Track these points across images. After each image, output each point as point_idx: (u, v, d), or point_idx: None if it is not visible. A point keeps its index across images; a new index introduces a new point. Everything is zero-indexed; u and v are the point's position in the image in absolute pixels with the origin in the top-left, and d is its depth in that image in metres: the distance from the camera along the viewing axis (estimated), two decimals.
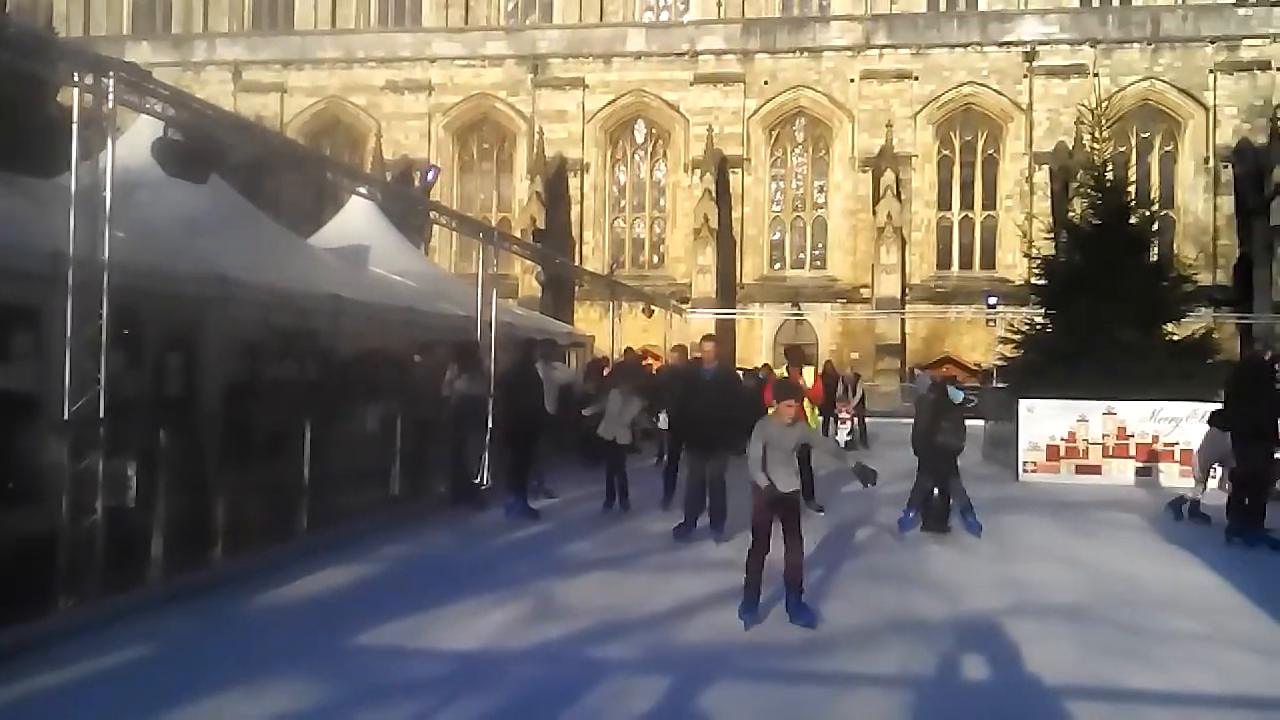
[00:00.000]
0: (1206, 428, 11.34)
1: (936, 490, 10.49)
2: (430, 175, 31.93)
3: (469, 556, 8.91)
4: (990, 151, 40.22)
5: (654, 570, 8.35)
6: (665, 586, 7.67)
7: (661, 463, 15.48)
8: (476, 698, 5.28)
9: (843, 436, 19.40)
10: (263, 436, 9.26)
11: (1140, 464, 15.19)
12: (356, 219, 16.80)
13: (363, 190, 14.29)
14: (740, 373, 16.10)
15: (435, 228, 29.11)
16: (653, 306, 27.00)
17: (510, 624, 6.59)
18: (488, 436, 12.35)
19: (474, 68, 42.38)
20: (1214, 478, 11.65)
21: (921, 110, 39.71)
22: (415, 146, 41.69)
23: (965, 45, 39.45)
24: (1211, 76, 38.12)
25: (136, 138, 8.59)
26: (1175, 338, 18.18)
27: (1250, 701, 5.49)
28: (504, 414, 11.61)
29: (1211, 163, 38.13)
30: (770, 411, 6.95)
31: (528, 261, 32.16)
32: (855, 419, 20.47)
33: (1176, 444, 15.12)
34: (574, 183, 41.46)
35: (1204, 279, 32.33)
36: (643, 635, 6.40)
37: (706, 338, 11.12)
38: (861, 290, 39.50)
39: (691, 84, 40.90)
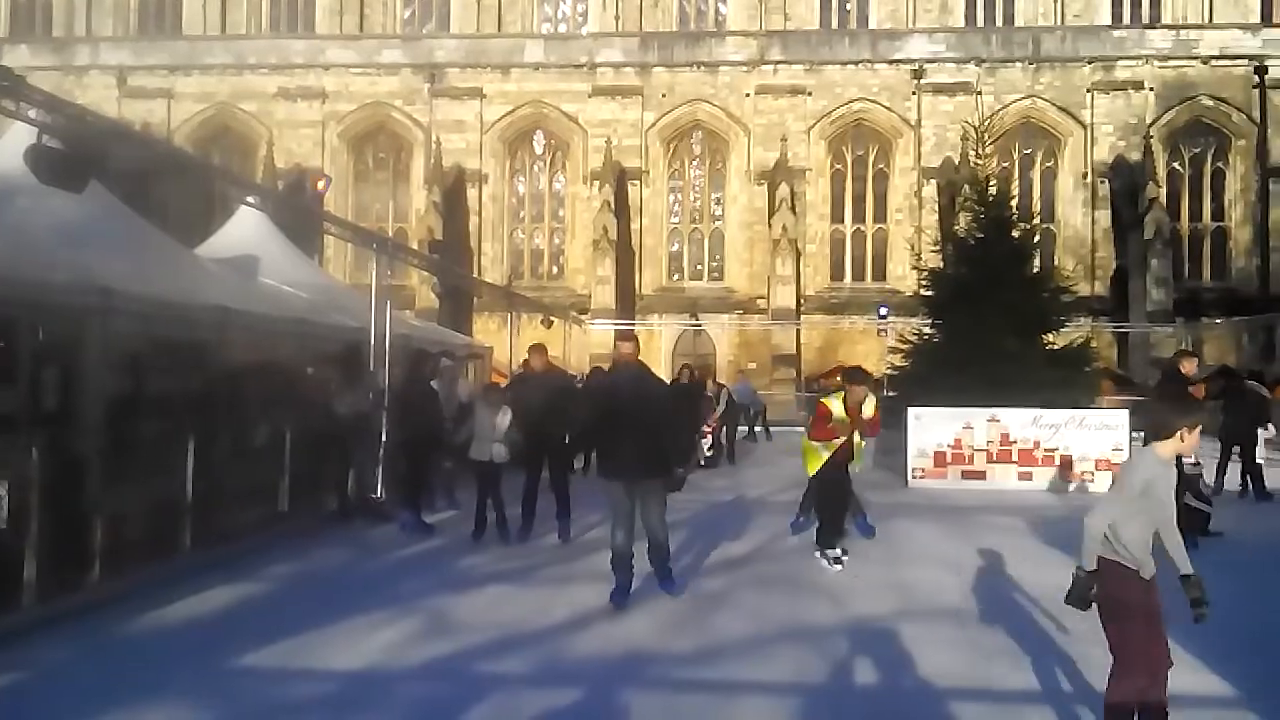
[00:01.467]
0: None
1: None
2: (321, 184, 31.34)
3: (359, 573, 8.77)
4: (881, 166, 41.17)
5: (550, 583, 8.35)
6: (560, 599, 7.68)
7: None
8: (361, 718, 5.22)
9: (704, 450, 18.04)
10: (145, 453, 8.99)
11: (1022, 469, 15.73)
12: (246, 229, 16.37)
13: (251, 200, 14.00)
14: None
15: (332, 238, 28.71)
16: (552, 318, 26.97)
17: (400, 642, 6.52)
18: (380, 450, 12.18)
19: (369, 76, 41.78)
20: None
21: (815, 125, 40.46)
22: (309, 155, 40.85)
23: (856, 63, 40.34)
24: (1089, 95, 39.67)
25: (12, 144, 8.29)
26: (1055, 346, 18.85)
27: None
28: (398, 427, 11.47)
29: (1089, 178, 39.67)
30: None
31: (425, 272, 31.90)
32: (720, 431, 19.05)
33: (1056, 449, 15.71)
34: (472, 193, 41.13)
35: (1083, 290, 33.61)
36: (536, 649, 6.39)
37: (621, 337, 9.13)
38: (758, 301, 40.01)
39: (590, 96, 41.01)
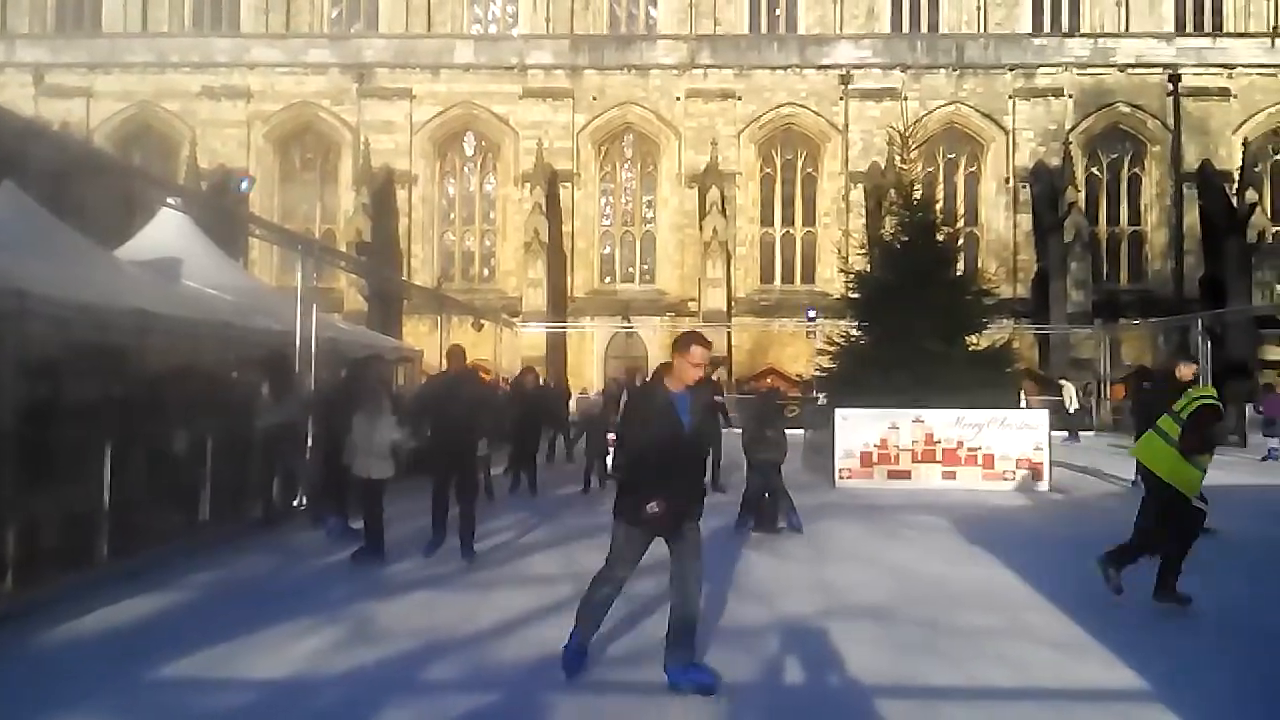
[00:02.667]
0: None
1: (766, 495, 11.23)
2: (244, 184, 30.83)
3: (283, 580, 8.63)
4: (809, 170, 41.66)
5: (476, 588, 8.28)
6: (486, 604, 7.63)
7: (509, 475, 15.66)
8: None
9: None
10: (60, 459, 8.77)
11: (946, 468, 16.02)
12: (168, 230, 16.03)
13: (172, 201, 13.73)
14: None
15: (257, 240, 28.23)
16: (483, 321, 26.87)
17: (323, 649, 6.42)
18: (306, 456, 12.01)
19: (296, 75, 41.19)
20: None
21: (745, 129, 40.80)
22: (233, 155, 40.15)
23: (785, 67, 40.78)
24: (1011, 102, 40.56)
25: None
26: (978, 347, 19.20)
27: (1042, 693, 5.76)
28: (325, 432, 11.31)
29: (1011, 183, 40.55)
30: None
31: (354, 275, 31.53)
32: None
33: (979, 449, 16.04)
34: (402, 195, 40.76)
35: (1005, 292, 34.55)
36: (462, 654, 6.34)
37: (693, 340, 5.95)
38: (689, 303, 40.21)
39: (521, 98, 40.89)
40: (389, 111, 40.83)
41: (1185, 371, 9.54)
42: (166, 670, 5.98)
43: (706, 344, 5.85)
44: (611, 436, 17.63)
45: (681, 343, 5.84)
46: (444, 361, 10.16)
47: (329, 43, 41.99)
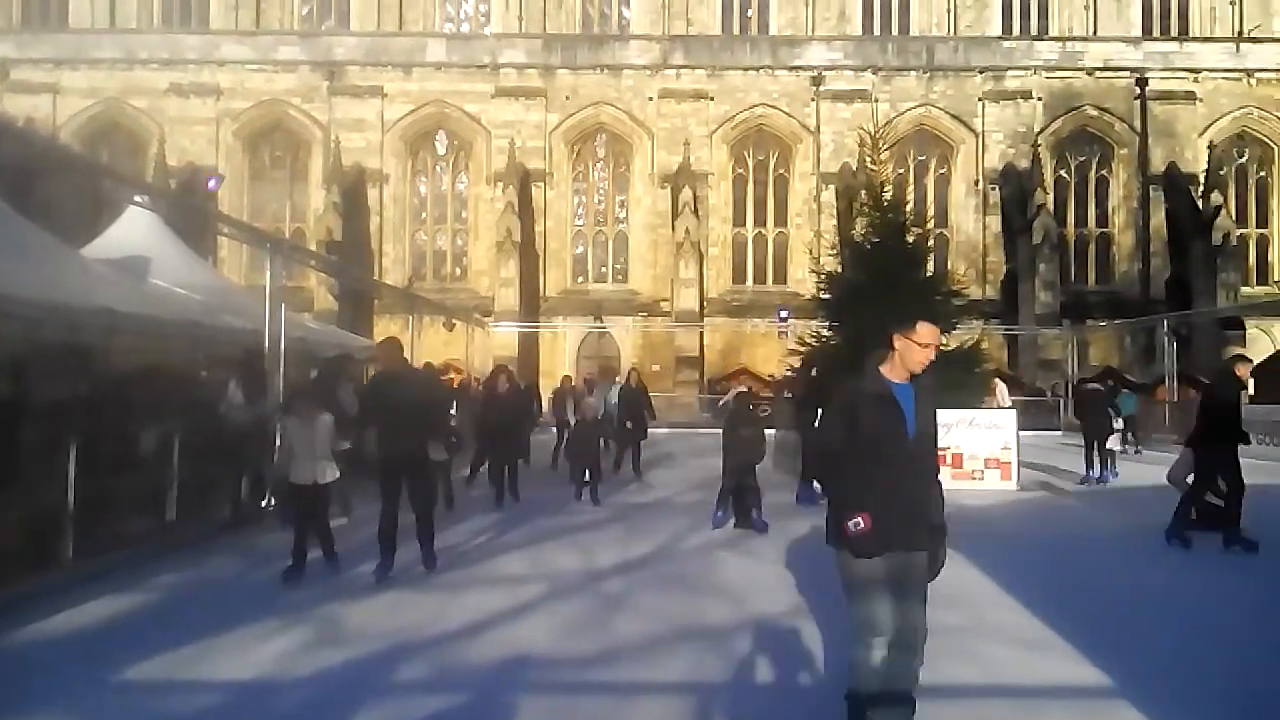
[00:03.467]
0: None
1: (748, 491, 11.51)
2: (212, 183, 30.56)
3: (250, 582, 8.55)
4: (781, 171, 41.80)
5: (444, 589, 8.23)
6: (455, 605, 7.60)
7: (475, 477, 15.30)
8: None
9: None
10: (25, 459, 8.68)
11: None
12: (136, 229, 15.92)
13: (140, 199, 13.61)
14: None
15: (227, 239, 28.02)
16: (455, 320, 26.77)
17: (291, 651, 6.37)
18: (275, 456, 11.92)
19: (266, 73, 40.85)
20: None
21: (717, 130, 40.89)
22: (202, 153, 39.74)
23: (757, 68, 40.90)
24: (980, 104, 40.85)
25: None
26: (947, 348, 19.31)
27: (1007, 690, 5.82)
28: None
29: (981, 185, 40.84)
30: None
31: (324, 274, 31.35)
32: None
33: (948, 448, 16.11)
34: (373, 193, 40.53)
35: (974, 293, 34.81)
36: (430, 656, 6.32)
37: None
38: (662, 304, 40.23)
39: (493, 97, 40.77)
40: (360, 110, 40.60)
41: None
42: (131, 672, 5.94)
43: (935, 322, 4.77)
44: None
45: (906, 322, 4.67)
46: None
47: (299, 40, 41.69)
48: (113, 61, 40.54)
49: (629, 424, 17.93)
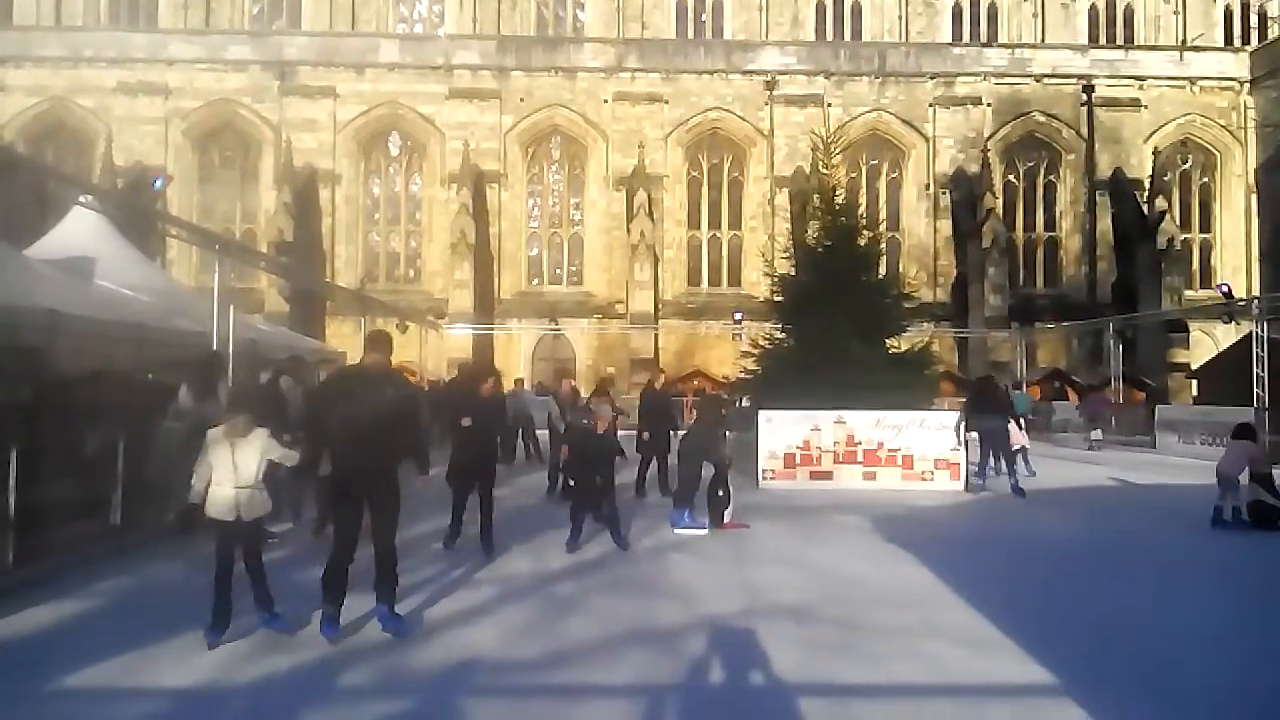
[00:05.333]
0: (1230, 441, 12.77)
1: (720, 491, 11.63)
2: (158, 182, 30.11)
3: (195, 588, 8.31)
4: (735, 174, 41.99)
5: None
6: (402, 609, 7.55)
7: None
8: None
9: None
10: None
11: (866, 469, 16.28)
12: (81, 229, 15.64)
13: (85, 199, 13.40)
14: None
15: (175, 240, 27.59)
16: (408, 322, 26.62)
17: (236, 657, 6.31)
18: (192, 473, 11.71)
19: (216, 72, 40.28)
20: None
21: (672, 133, 40.98)
22: (150, 153, 39.14)
23: (711, 72, 41.03)
24: (931, 110, 41.30)
25: None
26: (898, 350, 19.52)
27: (953, 690, 5.88)
28: None
29: (932, 189, 41.28)
30: None
31: (275, 275, 31.00)
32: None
33: (899, 450, 16.32)
34: (325, 194, 40.14)
35: (925, 296, 35.19)
36: (377, 661, 6.27)
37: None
38: (616, 306, 40.26)
39: (447, 98, 40.56)
40: (312, 110, 40.20)
41: None
42: (73, 679, 5.85)
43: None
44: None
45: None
46: (363, 351, 7.27)
47: (250, 39, 41.20)
48: (58, 59, 39.77)
49: (646, 435, 15.39)
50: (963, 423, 15.95)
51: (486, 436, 10.78)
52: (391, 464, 7.00)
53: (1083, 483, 17.75)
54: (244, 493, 6.79)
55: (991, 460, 16.66)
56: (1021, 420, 19.50)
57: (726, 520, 11.52)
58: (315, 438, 7.09)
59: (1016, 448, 18.85)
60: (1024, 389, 31.94)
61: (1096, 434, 26.20)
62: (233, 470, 6.77)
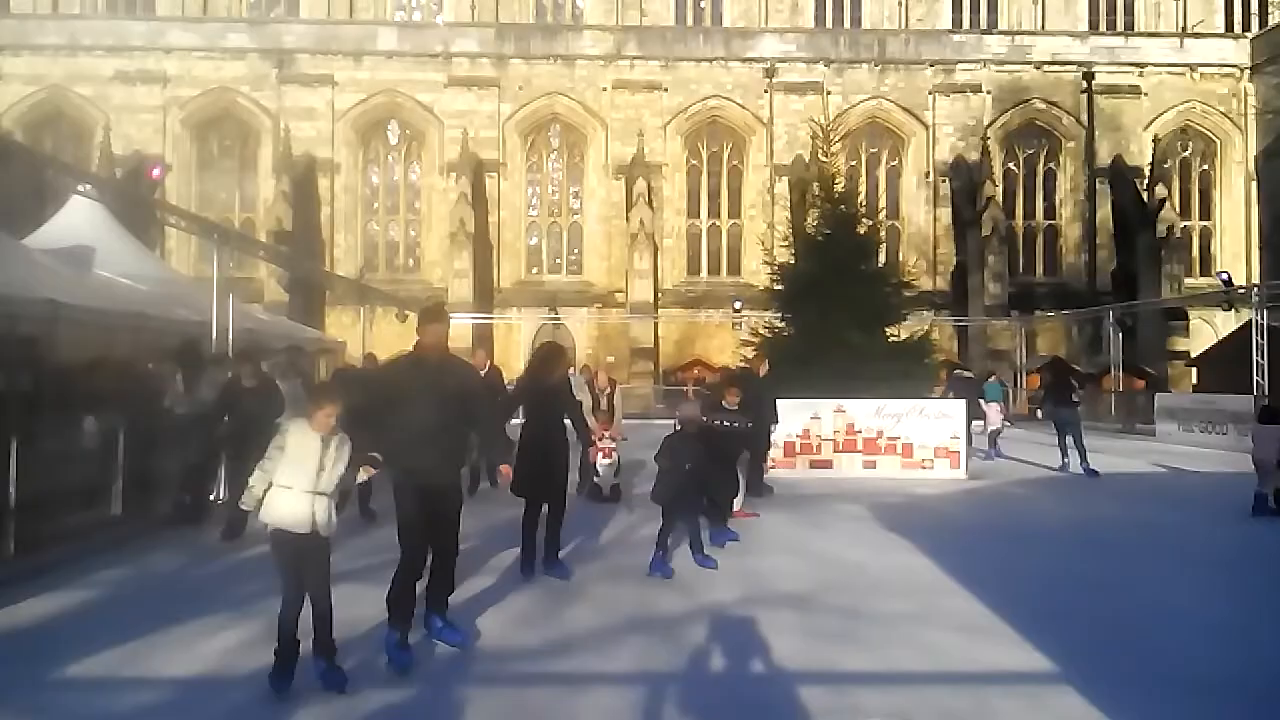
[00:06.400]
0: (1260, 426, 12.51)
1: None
2: (156, 171, 30.06)
3: (196, 577, 8.43)
4: (735, 163, 41.93)
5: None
6: None
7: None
8: None
9: (603, 469, 13.06)
10: None
11: (866, 457, 16.29)
12: (79, 218, 15.66)
13: (84, 188, 13.38)
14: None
15: (175, 230, 27.56)
16: (407, 311, 26.56)
17: (236, 647, 6.29)
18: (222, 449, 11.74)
19: (214, 60, 40.17)
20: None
21: (671, 121, 40.90)
22: (149, 141, 39.08)
23: (711, 60, 40.93)
24: (931, 97, 41.23)
25: None
26: (898, 339, 19.53)
27: (955, 677, 5.87)
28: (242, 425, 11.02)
29: (931, 177, 41.24)
30: None
31: (274, 265, 30.98)
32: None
33: (898, 438, 16.32)
34: (324, 183, 40.08)
35: (924, 284, 35.17)
36: (378, 649, 6.17)
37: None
38: (616, 295, 40.23)
39: (445, 86, 40.47)
40: (310, 98, 40.10)
41: None
42: (74, 668, 5.85)
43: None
44: None
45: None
46: (418, 324, 6.35)
47: (248, 27, 41.09)
48: (56, 47, 39.66)
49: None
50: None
51: (556, 432, 8.68)
52: (458, 461, 6.55)
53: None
54: (321, 501, 5.53)
55: (1070, 444, 17.02)
56: (998, 405, 20.69)
57: (736, 509, 11.44)
58: (365, 442, 5.94)
59: (993, 428, 19.96)
60: (1022, 377, 31.89)
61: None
62: (316, 473, 5.50)
